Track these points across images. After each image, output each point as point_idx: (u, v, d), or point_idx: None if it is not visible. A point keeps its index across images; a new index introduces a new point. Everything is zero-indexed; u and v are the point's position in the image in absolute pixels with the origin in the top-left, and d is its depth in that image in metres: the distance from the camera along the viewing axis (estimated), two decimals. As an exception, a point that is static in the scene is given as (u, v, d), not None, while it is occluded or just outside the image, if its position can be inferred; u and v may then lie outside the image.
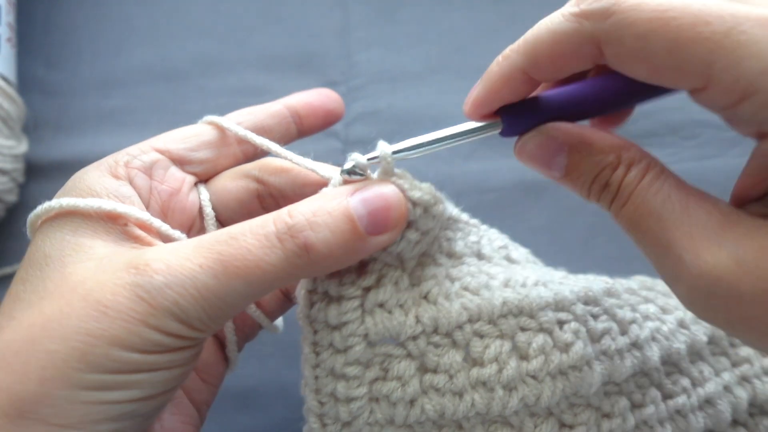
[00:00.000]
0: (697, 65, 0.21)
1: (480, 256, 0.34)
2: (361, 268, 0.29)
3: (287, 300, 0.35)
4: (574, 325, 0.29)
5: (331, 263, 0.26)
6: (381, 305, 0.28)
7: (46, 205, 0.27)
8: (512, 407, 0.28)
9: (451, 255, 0.32)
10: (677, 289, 0.23)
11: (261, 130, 0.34)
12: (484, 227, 0.36)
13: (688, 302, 0.23)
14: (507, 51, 0.26)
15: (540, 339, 0.29)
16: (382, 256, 0.29)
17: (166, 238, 0.29)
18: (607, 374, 0.30)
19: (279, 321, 0.39)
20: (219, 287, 0.24)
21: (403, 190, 0.27)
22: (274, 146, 0.33)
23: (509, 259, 0.35)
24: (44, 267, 0.26)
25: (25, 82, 0.53)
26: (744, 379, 0.34)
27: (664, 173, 0.24)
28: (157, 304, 0.23)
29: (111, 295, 0.23)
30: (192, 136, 0.33)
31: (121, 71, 0.55)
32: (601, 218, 0.52)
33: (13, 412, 0.23)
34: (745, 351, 0.35)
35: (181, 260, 0.24)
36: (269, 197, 0.33)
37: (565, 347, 0.29)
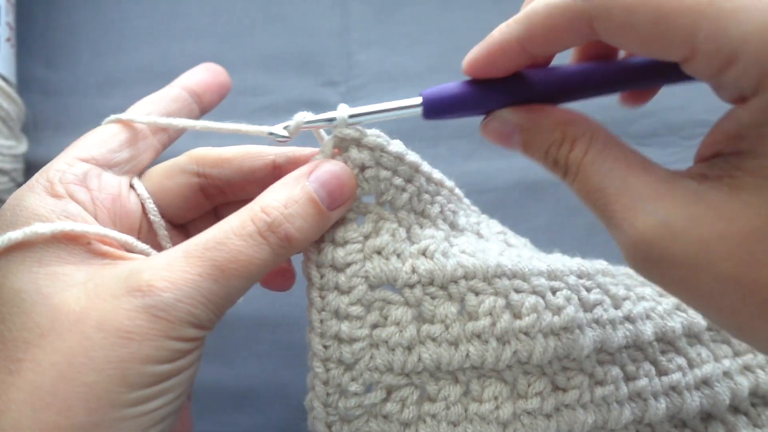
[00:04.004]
0: (682, 35, 0.21)
1: (479, 235, 0.35)
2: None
3: None
4: (566, 292, 0.31)
5: (307, 243, 0.29)
6: (378, 252, 0.30)
7: None
8: (505, 360, 0.29)
9: (454, 227, 0.33)
10: (624, 255, 0.24)
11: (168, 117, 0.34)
12: (484, 216, 0.37)
13: (633, 268, 0.25)
14: (509, 20, 0.26)
15: (532, 299, 0.30)
16: (376, 208, 0.31)
17: (130, 248, 0.30)
18: (600, 341, 0.31)
19: None
20: (221, 289, 0.26)
21: (417, 166, 0.31)
22: (205, 123, 0.33)
23: (507, 243, 0.36)
24: (22, 303, 0.26)
25: (25, 82, 0.53)
26: (746, 368, 0.35)
27: (608, 146, 0.25)
28: (174, 318, 0.25)
29: (128, 321, 0.25)
30: (109, 138, 0.32)
31: (121, 71, 0.55)
32: (601, 218, 0.52)
33: None
34: None
35: (181, 273, 0.26)
36: (213, 188, 0.34)
37: (557, 310, 0.30)
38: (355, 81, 0.55)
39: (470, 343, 0.29)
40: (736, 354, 0.35)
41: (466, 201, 0.36)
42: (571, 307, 0.30)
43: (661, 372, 0.32)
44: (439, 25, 0.56)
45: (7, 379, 0.25)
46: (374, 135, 0.30)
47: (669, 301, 0.34)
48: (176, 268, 0.26)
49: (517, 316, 0.30)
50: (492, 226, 0.37)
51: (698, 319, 0.34)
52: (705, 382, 0.33)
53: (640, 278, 0.36)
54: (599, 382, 0.31)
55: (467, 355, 0.29)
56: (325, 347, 0.30)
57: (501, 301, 0.30)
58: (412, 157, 0.31)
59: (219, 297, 0.26)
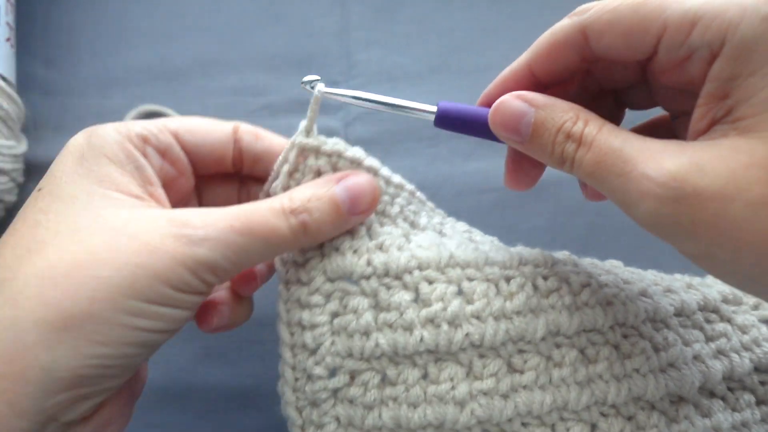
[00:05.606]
0: (655, 14, 0.26)
1: (442, 234, 0.36)
2: None
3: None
4: (519, 280, 0.32)
5: (323, 237, 0.33)
6: (336, 249, 0.33)
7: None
8: (458, 343, 0.31)
9: (415, 225, 0.35)
10: (644, 206, 0.25)
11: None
12: (450, 218, 0.38)
13: (655, 215, 0.25)
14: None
15: (484, 286, 0.32)
16: None
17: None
18: (554, 325, 0.32)
19: None
20: (244, 244, 0.29)
21: (376, 170, 0.34)
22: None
23: (471, 240, 0.37)
24: (71, 205, 0.29)
25: (25, 82, 0.53)
26: (720, 353, 0.35)
27: (620, 128, 0.28)
28: (197, 252, 0.28)
29: (159, 239, 0.28)
30: (215, 144, 0.35)
31: (121, 71, 0.55)
32: (601, 218, 0.52)
33: (59, 323, 0.26)
34: (722, 326, 0.36)
35: (216, 220, 0.29)
36: (245, 156, 0.37)
37: (509, 296, 0.32)
38: (355, 81, 0.55)
39: (424, 327, 0.31)
40: (709, 339, 0.35)
41: (430, 204, 0.38)
42: (523, 293, 0.32)
43: (625, 355, 0.32)
44: (439, 25, 0.56)
45: (25, 255, 0.27)
46: (333, 142, 0.33)
47: (633, 287, 0.34)
48: (213, 215, 0.29)
49: (468, 301, 0.31)
50: (457, 226, 0.38)
51: (664, 304, 0.34)
52: (672, 365, 0.33)
53: (606, 266, 0.36)
54: (557, 365, 0.32)
55: (421, 339, 0.31)
56: (291, 334, 0.33)
57: (453, 288, 0.32)
58: (371, 161, 0.33)
59: (240, 249, 0.29)
